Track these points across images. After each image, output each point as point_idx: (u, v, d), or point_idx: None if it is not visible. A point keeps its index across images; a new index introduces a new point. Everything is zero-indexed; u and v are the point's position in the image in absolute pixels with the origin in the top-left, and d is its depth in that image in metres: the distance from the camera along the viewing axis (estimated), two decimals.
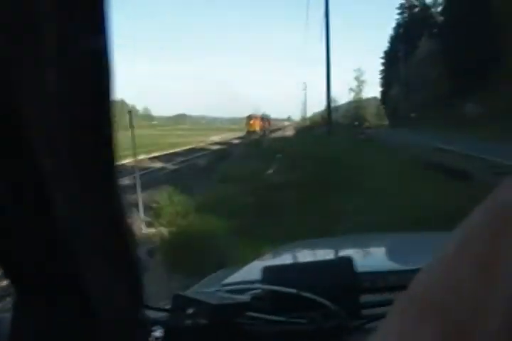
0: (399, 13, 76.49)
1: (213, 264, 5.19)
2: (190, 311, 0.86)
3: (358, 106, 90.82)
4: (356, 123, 77.76)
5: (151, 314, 0.86)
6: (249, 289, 0.98)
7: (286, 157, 15.19)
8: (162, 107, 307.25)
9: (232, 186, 9.17)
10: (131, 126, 8.55)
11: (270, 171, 11.05)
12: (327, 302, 0.89)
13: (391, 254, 1.98)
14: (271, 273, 0.95)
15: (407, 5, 74.81)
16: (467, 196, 9.29)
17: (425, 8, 71.76)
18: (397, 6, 76.52)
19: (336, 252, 1.97)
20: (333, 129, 26.44)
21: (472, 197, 9.05)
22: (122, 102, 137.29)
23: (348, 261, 0.95)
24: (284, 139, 31.89)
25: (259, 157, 16.26)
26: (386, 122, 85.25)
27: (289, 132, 49.35)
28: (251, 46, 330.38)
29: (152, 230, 7.73)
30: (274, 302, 0.90)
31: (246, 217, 7.64)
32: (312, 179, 10.49)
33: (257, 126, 49.33)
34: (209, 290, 1.07)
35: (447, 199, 8.45)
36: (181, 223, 6.99)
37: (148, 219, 8.26)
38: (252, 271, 1.38)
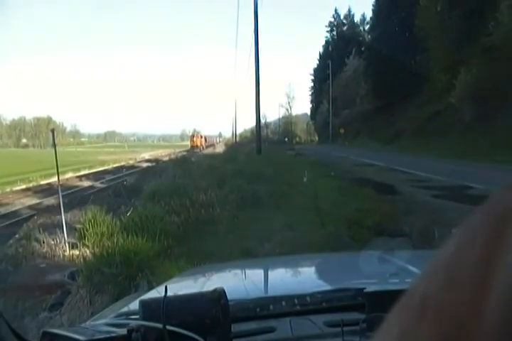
0: (328, 31, 78.43)
1: (138, 287, 5.09)
2: None
3: (288, 122, 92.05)
4: (286, 139, 78.91)
5: None
6: (127, 323, 0.97)
7: (215, 174, 15.20)
8: (91, 124, 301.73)
9: (159, 204, 9.04)
10: (54, 145, 8.44)
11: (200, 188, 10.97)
12: (194, 335, 0.89)
13: (284, 279, 1.98)
14: (145, 307, 0.94)
15: (335, 23, 76.68)
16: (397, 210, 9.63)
17: (353, 26, 73.73)
18: (326, 23, 78.52)
19: (239, 277, 1.96)
20: (263, 145, 26.62)
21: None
22: (49, 119, 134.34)
23: (219, 293, 0.95)
24: (215, 155, 31.91)
25: (188, 174, 16.16)
26: (316, 138, 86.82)
27: (220, 149, 49.78)
28: (181, 63, 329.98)
29: (76, 252, 7.52)
30: (145, 336, 0.90)
31: (173, 235, 7.54)
32: (241, 196, 10.51)
33: (198, 142, 63.26)
34: (94, 322, 1.05)
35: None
36: (106, 244, 6.80)
37: (73, 240, 8.03)
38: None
